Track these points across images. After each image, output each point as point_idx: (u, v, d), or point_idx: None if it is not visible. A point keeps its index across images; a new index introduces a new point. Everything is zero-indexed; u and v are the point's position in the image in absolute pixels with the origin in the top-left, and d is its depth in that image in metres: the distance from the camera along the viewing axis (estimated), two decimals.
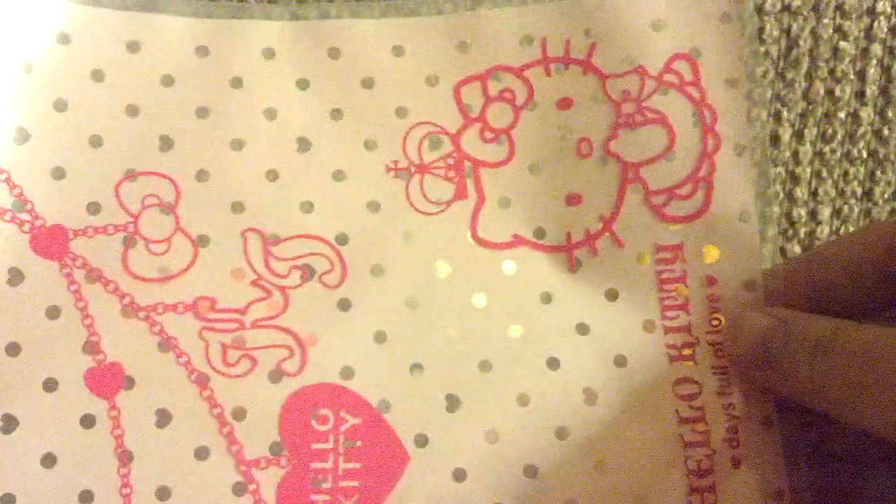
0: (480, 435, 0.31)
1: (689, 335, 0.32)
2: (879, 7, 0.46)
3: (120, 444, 0.29)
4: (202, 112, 0.32)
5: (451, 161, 0.33)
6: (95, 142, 0.31)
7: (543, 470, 0.31)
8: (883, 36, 0.46)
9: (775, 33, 0.45)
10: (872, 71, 0.46)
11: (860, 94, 0.46)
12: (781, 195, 0.48)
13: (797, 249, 0.49)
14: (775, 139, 0.47)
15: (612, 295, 0.33)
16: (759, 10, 0.45)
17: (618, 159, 0.33)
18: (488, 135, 0.33)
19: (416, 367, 0.31)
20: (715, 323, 0.32)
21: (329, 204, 0.32)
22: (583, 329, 0.32)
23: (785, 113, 0.46)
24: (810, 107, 0.46)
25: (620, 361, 0.32)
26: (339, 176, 0.32)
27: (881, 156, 0.47)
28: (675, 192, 0.33)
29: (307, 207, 0.32)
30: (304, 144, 0.32)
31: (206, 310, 0.31)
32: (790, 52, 0.45)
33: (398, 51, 0.33)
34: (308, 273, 0.31)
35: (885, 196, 0.48)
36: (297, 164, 0.32)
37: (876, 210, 0.48)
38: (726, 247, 0.33)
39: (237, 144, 0.32)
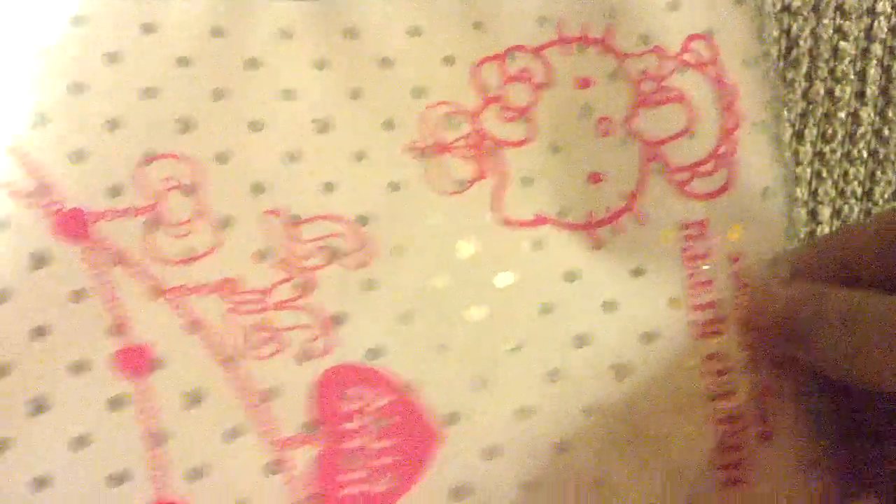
0: (510, 413, 0.31)
1: (715, 311, 0.32)
2: (879, 7, 0.46)
3: (150, 426, 0.29)
4: (219, 93, 0.31)
5: (471, 140, 0.32)
6: (114, 124, 0.31)
7: (574, 446, 0.31)
8: (883, 36, 0.46)
9: (775, 33, 0.45)
10: (872, 71, 0.47)
11: (860, 95, 0.47)
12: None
13: None
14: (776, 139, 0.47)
15: (637, 272, 0.33)
16: (759, 11, 0.45)
17: (639, 137, 0.33)
18: (508, 114, 0.33)
19: (443, 346, 0.31)
20: (741, 298, 0.32)
21: (350, 184, 0.32)
22: (610, 306, 0.32)
23: (785, 113, 0.47)
24: (810, 107, 0.47)
25: (648, 338, 0.32)
26: (358, 156, 0.32)
27: (881, 156, 0.48)
28: (697, 170, 0.33)
29: (328, 188, 0.32)
30: (322, 125, 0.32)
31: (231, 291, 0.30)
32: (790, 53, 0.45)
33: (415, 31, 0.33)
34: (331, 254, 0.31)
35: (886, 196, 0.48)
36: (317, 144, 0.32)
37: (876, 210, 0.48)
38: (750, 223, 0.33)
39: (256, 126, 0.31)
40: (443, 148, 0.33)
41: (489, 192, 0.33)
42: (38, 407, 0.29)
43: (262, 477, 0.30)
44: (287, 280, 0.31)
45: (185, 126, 0.31)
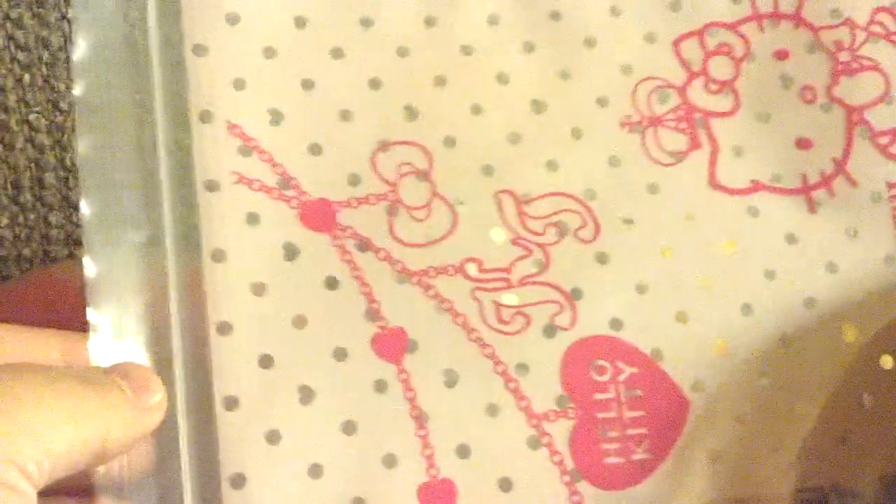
0: (755, 378, 0.31)
1: None
2: None
3: (414, 406, 0.29)
4: (439, 81, 0.32)
5: (680, 113, 0.33)
6: (345, 116, 0.31)
7: (809, 413, 0.31)
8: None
9: None
10: None
11: None
12: None
13: None
14: None
15: (852, 233, 0.33)
16: None
17: (841, 104, 0.34)
18: (713, 87, 0.34)
19: (681, 314, 0.31)
20: None
21: (571, 162, 0.32)
22: (831, 267, 0.33)
23: None
24: None
25: (869, 297, 0.32)
26: (576, 134, 0.33)
27: None
28: None
29: (552, 166, 0.32)
30: (538, 106, 0.33)
31: (474, 270, 0.30)
32: None
33: (615, 11, 0.34)
34: (563, 229, 0.31)
35: None
36: (536, 125, 0.32)
37: None
38: None
39: (476, 110, 0.32)
40: (655, 121, 0.33)
41: (705, 161, 0.33)
42: (308, 395, 0.29)
43: (525, 452, 0.30)
44: (525, 257, 0.31)
45: (412, 114, 0.32)
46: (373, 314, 0.30)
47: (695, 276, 0.32)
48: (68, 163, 0.50)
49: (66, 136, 0.50)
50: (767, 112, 0.34)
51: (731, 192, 0.33)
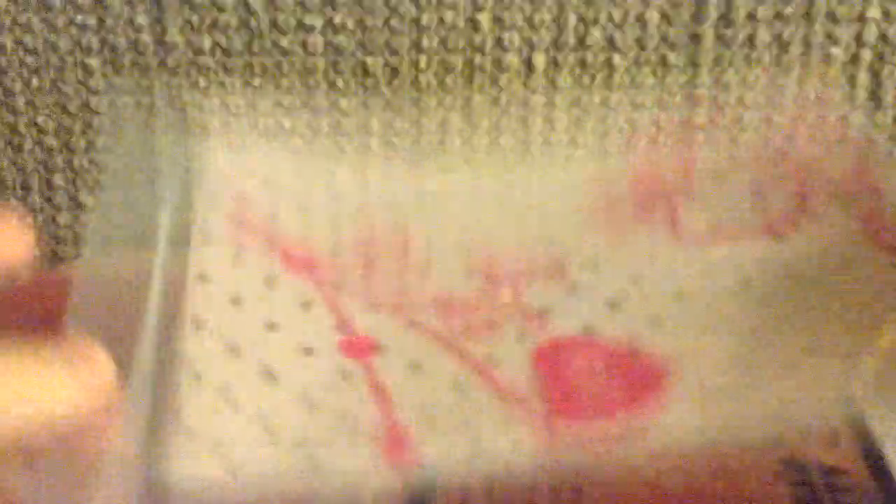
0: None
1: None
2: (869, 14, 0.47)
3: (379, 390, 0.31)
4: None
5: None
6: None
7: None
8: (873, 42, 0.50)
9: (767, 39, 0.48)
10: (862, 76, 0.51)
11: (850, 99, 0.50)
12: None
13: None
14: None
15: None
16: (752, 17, 0.46)
17: None
18: None
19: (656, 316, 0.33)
20: None
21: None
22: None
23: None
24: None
25: None
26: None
27: None
28: None
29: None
30: None
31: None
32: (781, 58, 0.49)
33: None
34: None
35: None
36: None
37: None
38: None
39: None
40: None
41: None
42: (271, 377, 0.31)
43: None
44: (496, 292, 0.33)
45: None
46: (342, 326, 0.32)
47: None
48: (76, 165, 0.50)
49: (73, 138, 0.50)
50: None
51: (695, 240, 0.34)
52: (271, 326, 0.31)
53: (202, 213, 0.33)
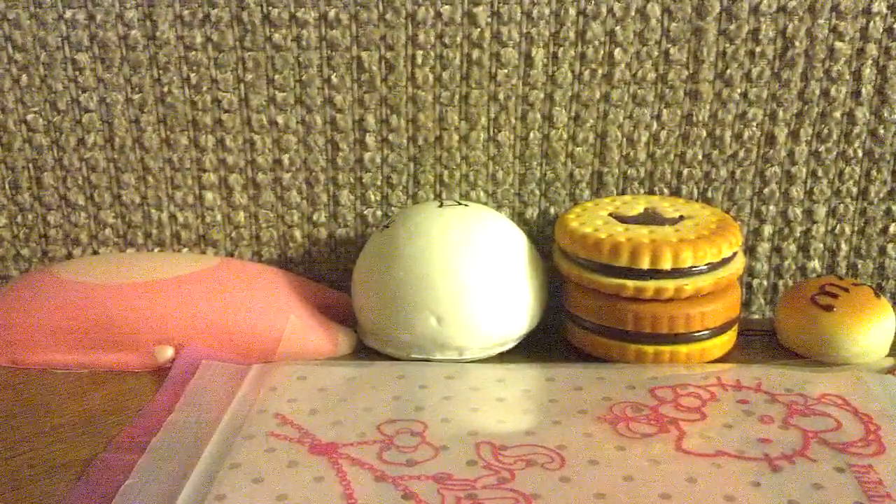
0: None
1: None
2: (875, 7, 0.48)
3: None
4: None
5: (650, 414, 0.40)
6: None
7: None
8: (878, 36, 0.49)
9: (771, 34, 0.48)
10: (868, 71, 0.50)
11: (856, 94, 0.50)
12: (777, 194, 0.51)
13: (792, 248, 0.52)
14: (771, 139, 0.51)
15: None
16: (755, 10, 0.47)
17: (797, 427, 0.39)
18: (681, 410, 0.40)
19: None
20: None
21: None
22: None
23: (781, 113, 0.49)
24: (806, 107, 0.49)
25: None
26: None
27: (876, 155, 0.50)
28: None
29: (528, 433, 0.39)
30: None
31: (443, 478, 0.36)
32: (786, 53, 0.49)
33: None
34: (531, 462, 0.37)
35: (881, 195, 0.51)
36: None
37: (871, 209, 0.52)
38: None
39: None
40: (627, 419, 0.40)
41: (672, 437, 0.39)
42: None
43: None
44: (492, 475, 0.35)
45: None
46: (347, 497, 0.34)
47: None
48: (66, 163, 0.50)
49: (63, 136, 0.50)
50: (731, 424, 0.39)
51: (697, 455, 0.37)
52: (281, 497, 0.35)
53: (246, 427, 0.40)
